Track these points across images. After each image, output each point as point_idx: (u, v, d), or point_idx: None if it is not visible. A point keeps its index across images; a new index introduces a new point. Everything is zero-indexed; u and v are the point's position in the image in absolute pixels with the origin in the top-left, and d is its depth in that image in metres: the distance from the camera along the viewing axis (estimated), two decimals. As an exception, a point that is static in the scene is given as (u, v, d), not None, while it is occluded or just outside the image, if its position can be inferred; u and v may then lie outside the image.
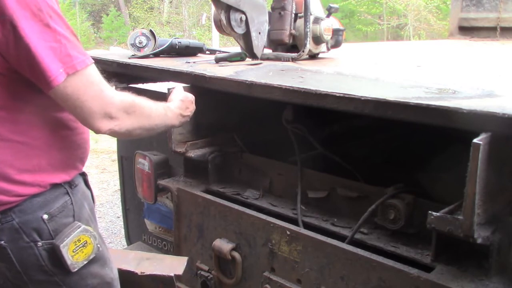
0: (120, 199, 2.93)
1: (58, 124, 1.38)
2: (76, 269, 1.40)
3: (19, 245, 1.35)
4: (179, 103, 1.66)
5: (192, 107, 1.72)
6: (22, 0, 1.19)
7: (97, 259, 1.47)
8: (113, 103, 1.32)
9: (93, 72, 1.31)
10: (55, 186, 1.40)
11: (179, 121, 1.65)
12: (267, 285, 1.74)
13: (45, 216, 1.36)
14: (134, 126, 1.39)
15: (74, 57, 1.25)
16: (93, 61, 1.32)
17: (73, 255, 1.39)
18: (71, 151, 1.43)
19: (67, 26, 1.28)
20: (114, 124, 1.33)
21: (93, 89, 1.28)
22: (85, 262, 1.42)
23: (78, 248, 1.39)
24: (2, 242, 1.33)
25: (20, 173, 1.32)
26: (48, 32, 1.22)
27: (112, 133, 1.35)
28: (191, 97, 1.74)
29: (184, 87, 1.84)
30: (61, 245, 1.36)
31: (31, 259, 1.37)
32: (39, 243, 1.36)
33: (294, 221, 1.79)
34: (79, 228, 1.40)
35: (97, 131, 1.32)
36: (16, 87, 1.28)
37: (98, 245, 1.46)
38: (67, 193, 1.42)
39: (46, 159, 1.37)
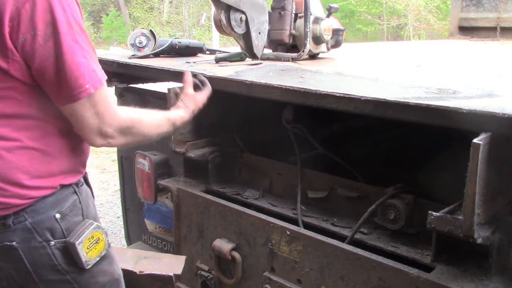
0: (120, 199, 2.93)
1: (69, 132, 1.40)
2: (89, 266, 1.43)
3: (31, 245, 1.35)
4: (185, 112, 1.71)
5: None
6: (62, 14, 1.24)
7: (106, 256, 1.50)
8: (111, 124, 1.37)
9: (105, 90, 1.36)
10: (64, 186, 1.42)
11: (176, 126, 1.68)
12: (267, 285, 1.74)
13: (58, 215, 1.38)
14: (127, 142, 1.46)
15: (97, 72, 1.31)
16: (106, 76, 1.37)
17: (88, 252, 1.41)
18: (78, 157, 1.46)
19: (90, 42, 1.33)
20: (108, 141, 1.39)
21: (99, 106, 1.33)
22: (97, 259, 1.45)
23: (92, 245, 1.42)
24: (14, 243, 1.33)
25: (31, 179, 1.34)
26: (77, 47, 1.27)
27: (103, 146, 1.42)
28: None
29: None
30: (77, 243, 1.38)
31: (43, 259, 1.38)
32: (52, 242, 1.37)
33: (294, 221, 1.79)
34: (92, 225, 1.43)
35: (90, 144, 1.42)
36: (36, 95, 1.31)
37: (109, 242, 1.49)
38: (75, 192, 1.45)
39: (57, 166, 1.39)
